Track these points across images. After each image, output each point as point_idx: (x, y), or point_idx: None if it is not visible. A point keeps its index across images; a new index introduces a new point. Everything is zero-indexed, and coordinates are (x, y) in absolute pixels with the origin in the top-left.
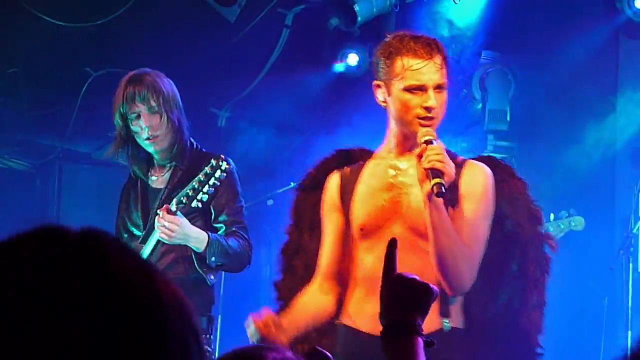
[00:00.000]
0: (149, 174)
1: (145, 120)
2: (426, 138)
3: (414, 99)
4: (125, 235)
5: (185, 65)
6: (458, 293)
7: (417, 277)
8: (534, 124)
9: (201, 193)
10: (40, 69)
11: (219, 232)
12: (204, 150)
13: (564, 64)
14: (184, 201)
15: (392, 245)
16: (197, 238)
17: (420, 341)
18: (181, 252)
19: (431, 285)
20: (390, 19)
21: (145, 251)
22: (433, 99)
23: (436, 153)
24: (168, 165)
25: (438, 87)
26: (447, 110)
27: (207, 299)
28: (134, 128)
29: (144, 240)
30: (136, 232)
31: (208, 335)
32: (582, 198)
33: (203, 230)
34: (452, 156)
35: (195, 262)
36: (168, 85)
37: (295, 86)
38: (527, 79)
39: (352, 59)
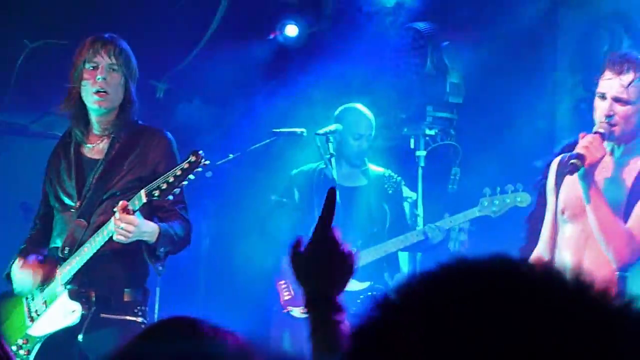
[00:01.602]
0: (85, 141)
1: (101, 72)
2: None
3: (600, 105)
4: (57, 205)
5: (122, 35)
6: (617, 265)
7: (350, 250)
8: (475, 96)
9: (176, 188)
10: None
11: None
12: (140, 122)
13: (502, 35)
14: (155, 194)
15: (331, 195)
16: (150, 232)
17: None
18: None
19: (353, 254)
20: None
21: (92, 249)
22: (610, 108)
23: (585, 141)
24: (105, 134)
25: (617, 100)
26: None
27: (141, 272)
28: (85, 79)
29: (82, 216)
30: (68, 202)
31: (143, 307)
32: (524, 171)
33: (149, 217)
34: None
35: (145, 253)
36: (134, 61)
37: (234, 57)
38: (467, 52)
39: (291, 30)
